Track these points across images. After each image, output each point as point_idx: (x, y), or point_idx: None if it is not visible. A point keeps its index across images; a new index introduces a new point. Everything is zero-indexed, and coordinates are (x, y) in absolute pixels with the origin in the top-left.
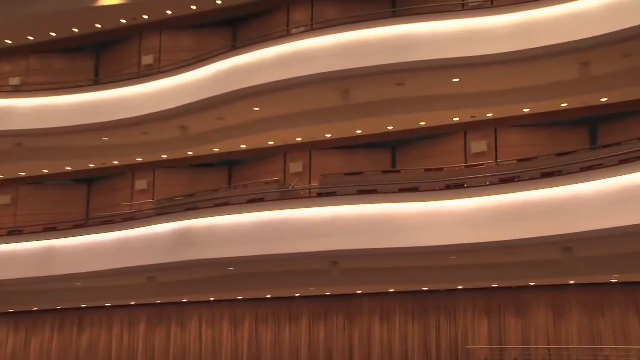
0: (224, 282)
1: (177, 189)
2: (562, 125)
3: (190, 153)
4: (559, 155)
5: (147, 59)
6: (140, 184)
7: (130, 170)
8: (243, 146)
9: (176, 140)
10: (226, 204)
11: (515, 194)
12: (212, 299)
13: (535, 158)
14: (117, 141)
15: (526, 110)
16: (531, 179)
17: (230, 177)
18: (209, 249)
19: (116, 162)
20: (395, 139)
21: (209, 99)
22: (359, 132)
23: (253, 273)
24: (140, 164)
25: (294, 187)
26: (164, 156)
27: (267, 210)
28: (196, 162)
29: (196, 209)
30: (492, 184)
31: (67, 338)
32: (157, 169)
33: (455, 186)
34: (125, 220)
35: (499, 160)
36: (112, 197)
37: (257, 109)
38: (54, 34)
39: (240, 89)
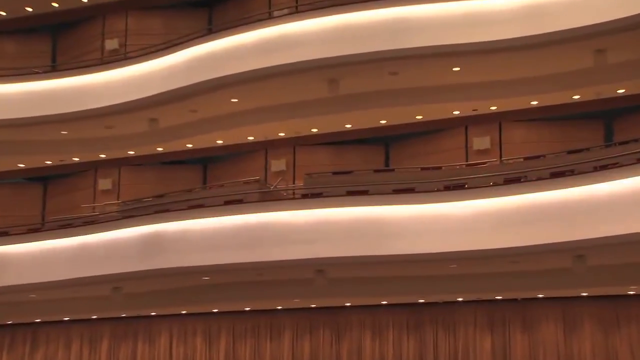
0: (198, 293)
1: (145, 189)
2: (573, 120)
3: (160, 149)
4: (570, 152)
5: (111, 43)
6: (104, 184)
7: (93, 168)
8: (219, 141)
9: (144, 135)
10: (200, 206)
11: (522, 195)
12: (184, 312)
13: (544, 156)
14: (78, 135)
15: (534, 102)
16: (539, 179)
17: (205, 176)
18: (181, 256)
19: (76, 159)
20: (388, 135)
21: (181, 88)
22: (348, 126)
23: (230, 283)
24: (103, 160)
25: (275, 187)
26: (131, 152)
27: (246, 213)
28: (167, 159)
29: (167, 211)
30: (495, 184)
31: (18, 357)
32: (122, 167)
33: (455, 187)
34: (86, 223)
35: (503, 159)
36: (72, 197)
37: (235, 100)
38: (3, 13)
39: (216, 77)
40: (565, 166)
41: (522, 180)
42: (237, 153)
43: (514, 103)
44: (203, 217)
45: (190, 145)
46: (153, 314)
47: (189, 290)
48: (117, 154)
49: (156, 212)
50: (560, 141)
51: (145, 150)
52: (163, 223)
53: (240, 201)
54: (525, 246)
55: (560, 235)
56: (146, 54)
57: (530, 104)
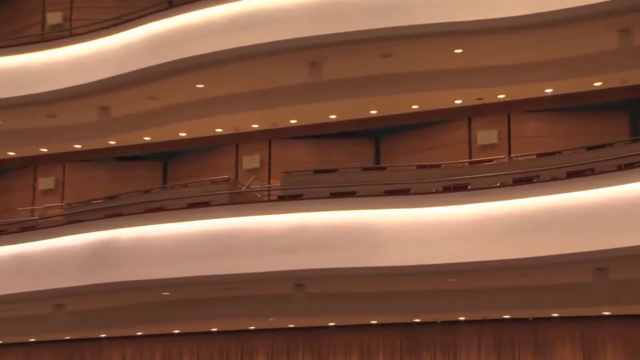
0: (156, 311)
1: (94, 189)
2: (594, 111)
3: (113, 142)
4: (590, 148)
5: (54, 17)
6: (45, 183)
7: (32, 164)
8: (182, 134)
9: (93, 126)
10: (160, 210)
11: (534, 198)
12: (139, 334)
13: (560, 152)
14: (14, 125)
15: (548, 90)
16: (554, 179)
17: (166, 175)
18: (136, 269)
19: (12, 154)
20: (379, 127)
21: (137, 71)
22: (332, 117)
23: (194, 299)
24: (45, 156)
25: (248, 187)
26: (77, 146)
27: (213, 218)
28: (120, 155)
29: (120, 215)
30: (503, 185)
31: None
32: (67, 163)
33: (457, 188)
34: (24, 229)
35: (512, 155)
36: (7, 199)
37: (201, 86)
38: None
39: (178, 59)
40: (584, 164)
41: (534, 180)
42: (203, 148)
43: (525, 91)
44: (163, 223)
45: (148, 139)
46: (103, 336)
47: (146, 308)
48: (61, 148)
49: (107, 216)
50: (579, 135)
51: (94, 144)
52: (115, 229)
53: (206, 204)
54: (537, 257)
55: (578, 245)
56: (95, 30)
57: (544, 92)
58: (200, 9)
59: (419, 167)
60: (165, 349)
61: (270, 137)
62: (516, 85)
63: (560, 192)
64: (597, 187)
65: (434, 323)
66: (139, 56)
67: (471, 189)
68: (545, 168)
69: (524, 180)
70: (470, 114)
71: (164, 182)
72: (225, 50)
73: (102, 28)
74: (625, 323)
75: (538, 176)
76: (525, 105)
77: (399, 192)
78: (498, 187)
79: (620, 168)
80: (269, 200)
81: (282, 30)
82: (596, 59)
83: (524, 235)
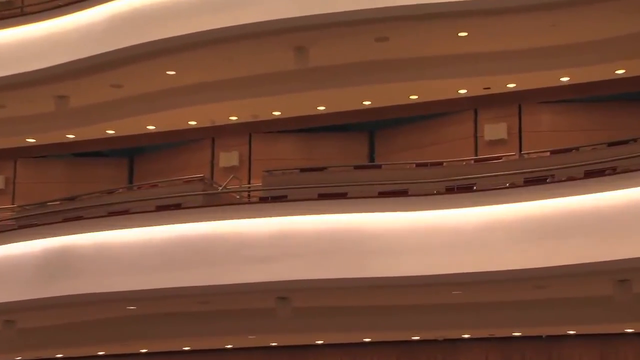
0: (121, 327)
1: (50, 189)
2: (616, 102)
3: (71, 136)
4: (611, 144)
5: None
6: None
7: None
8: (151, 127)
9: (49, 117)
10: (125, 213)
11: (548, 201)
12: (101, 354)
13: (577, 149)
14: None
15: (564, 78)
16: (570, 179)
17: (132, 173)
18: (97, 279)
19: None
20: (374, 120)
21: (99, 56)
22: (321, 108)
23: (164, 314)
24: None
25: (225, 188)
26: (31, 140)
27: (186, 222)
28: (80, 150)
29: (79, 219)
30: (513, 186)
31: None
32: (19, 160)
33: (461, 189)
34: None
35: (523, 152)
36: None
37: (172, 72)
38: None
39: (146, 42)
40: (605, 162)
41: (548, 180)
42: (174, 143)
43: (539, 79)
44: (128, 227)
45: (111, 132)
46: (59, 356)
47: (109, 325)
48: (12, 143)
49: (65, 220)
50: (599, 130)
51: (50, 138)
52: (74, 235)
53: (178, 206)
54: (551, 267)
55: (598, 254)
56: (51, 9)
57: (559, 81)
58: None
59: (418, 165)
60: None
61: (251, 130)
62: (528, 72)
63: (577, 194)
64: (619, 189)
65: (435, 341)
66: (101, 39)
67: (477, 190)
68: (561, 166)
69: (536, 181)
70: (476, 106)
71: (130, 181)
72: (200, 33)
73: (59, 6)
74: None
75: (553, 176)
76: (538, 96)
77: (395, 194)
78: (507, 188)
79: None
80: (249, 203)
81: (263, 11)
82: (619, 44)
83: (536, 243)
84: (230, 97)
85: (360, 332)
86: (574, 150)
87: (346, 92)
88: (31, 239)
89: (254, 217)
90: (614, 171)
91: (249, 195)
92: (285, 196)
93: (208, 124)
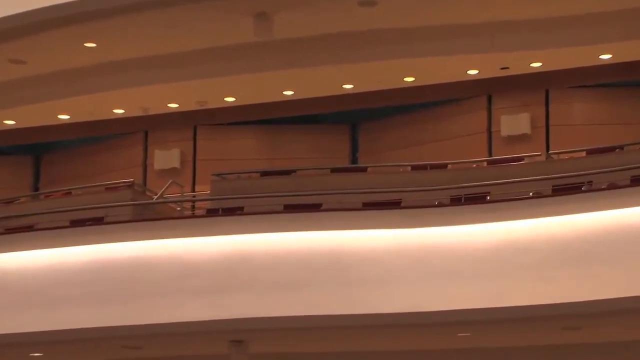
0: None
1: None
2: None
3: None
4: None
5: None
6: None
7: None
8: (63, 117)
9: None
10: (28, 229)
11: (583, 215)
12: None
13: (621, 147)
14: None
15: (605, 56)
16: (612, 186)
17: (38, 176)
18: None
19: None
20: (357, 109)
21: None
22: (288, 93)
23: None
24: None
25: (162, 196)
26: None
27: (110, 242)
28: None
29: None
30: (538, 196)
31: None
32: None
33: (470, 199)
34: None
35: (551, 152)
36: None
37: (92, 44)
38: None
39: (56, 4)
40: None
41: (583, 189)
42: (94, 138)
43: (571, 57)
44: (32, 249)
45: (10, 123)
46: None
47: None
48: None
49: None
50: None
51: None
52: None
53: (99, 221)
54: (587, 302)
55: None
56: None
57: (598, 59)
58: None
59: (414, 168)
60: None
61: (196, 122)
62: (557, 48)
63: (622, 206)
64: None
65: None
66: None
67: (491, 201)
68: (600, 171)
69: (568, 189)
70: (491, 90)
71: (35, 187)
72: None
73: None
74: None
75: (589, 182)
76: (570, 78)
77: (385, 205)
78: (530, 198)
79: None
80: (194, 216)
81: None
82: None
83: (567, 270)
84: (169, 78)
85: None
86: (617, 150)
87: (321, 72)
88: None
89: (200, 236)
90: None
91: (193, 207)
92: (242, 208)
93: (139, 113)
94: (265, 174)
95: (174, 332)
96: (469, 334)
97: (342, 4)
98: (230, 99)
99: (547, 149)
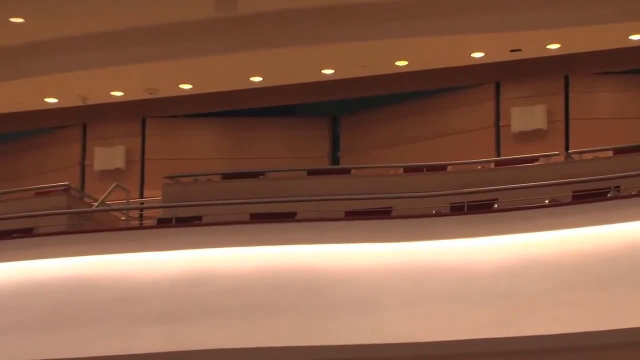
0: None
1: None
2: None
3: None
4: None
5: None
6: None
7: None
8: None
9: None
10: None
11: (609, 227)
12: None
13: None
14: None
15: (634, 36)
16: None
17: None
18: None
19: None
20: (338, 99)
21: None
22: (256, 79)
23: None
24: None
25: (103, 203)
26: None
27: (40, 257)
28: None
29: None
30: (556, 204)
31: None
32: None
33: (475, 207)
34: None
35: (571, 151)
36: None
37: (19, 20)
38: None
39: None
40: None
41: (610, 195)
42: (21, 132)
43: (595, 38)
44: None
45: None
46: None
47: None
48: None
49: None
50: None
51: None
52: None
53: (27, 232)
54: (616, 330)
55: None
56: None
57: (627, 40)
58: None
59: (407, 169)
60: None
61: (145, 113)
62: (579, 26)
63: None
64: None
65: None
66: None
67: (499, 210)
68: (629, 174)
69: (591, 195)
70: (499, 77)
71: None
72: None
73: None
74: None
75: (617, 188)
76: (594, 63)
77: (373, 214)
78: (547, 206)
79: None
80: (142, 227)
81: None
82: None
83: (591, 293)
84: (112, 60)
85: None
86: None
87: (295, 54)
88: None
89: (149, 250)
90: None
91: (141, 216)
92: (200, 217)
93: (76, 104)
94: (228, 176)
95: None
96: None
97: None
98: (185, 87)
99: (567, 147)
